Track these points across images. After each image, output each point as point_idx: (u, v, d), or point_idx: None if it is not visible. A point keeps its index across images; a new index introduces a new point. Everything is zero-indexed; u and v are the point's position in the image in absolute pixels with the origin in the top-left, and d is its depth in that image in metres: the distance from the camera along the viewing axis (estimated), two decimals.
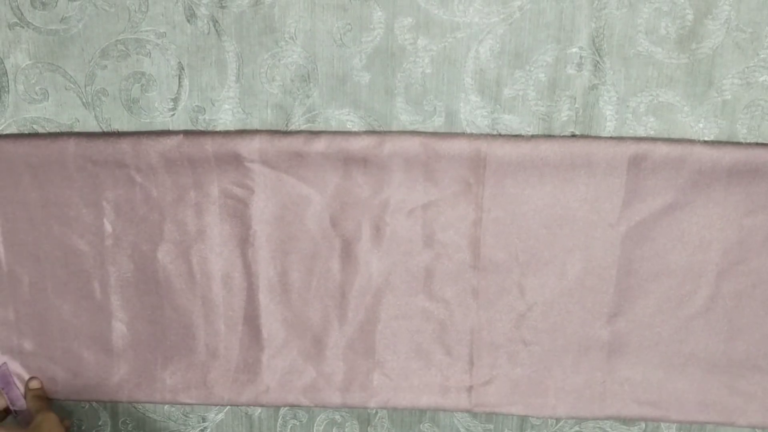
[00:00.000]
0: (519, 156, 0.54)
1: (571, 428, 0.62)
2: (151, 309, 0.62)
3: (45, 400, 0.64)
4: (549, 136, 0.54)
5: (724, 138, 0.54)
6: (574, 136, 0.54)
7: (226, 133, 0.56)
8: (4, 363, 0.64)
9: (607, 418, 0.61)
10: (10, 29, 0.57)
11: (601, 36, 0.52)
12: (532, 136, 0.54)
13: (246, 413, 0.65)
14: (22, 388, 0.64)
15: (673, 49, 0.52)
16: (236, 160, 0.57)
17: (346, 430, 0.65)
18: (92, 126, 0.58)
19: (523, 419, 0.62)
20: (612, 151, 0.53)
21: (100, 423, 0.68)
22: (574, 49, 0.53)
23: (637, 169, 0.54)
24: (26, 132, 0.58)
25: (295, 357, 0.62)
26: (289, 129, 0.56)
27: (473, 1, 0.52)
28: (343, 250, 0.59)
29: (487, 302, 0.59)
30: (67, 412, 0.67)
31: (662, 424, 0.61)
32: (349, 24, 0.54)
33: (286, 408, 0.65)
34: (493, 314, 0.59)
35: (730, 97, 0.53)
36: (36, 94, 0.58)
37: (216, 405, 0.64)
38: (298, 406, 0.63)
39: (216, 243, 0.59)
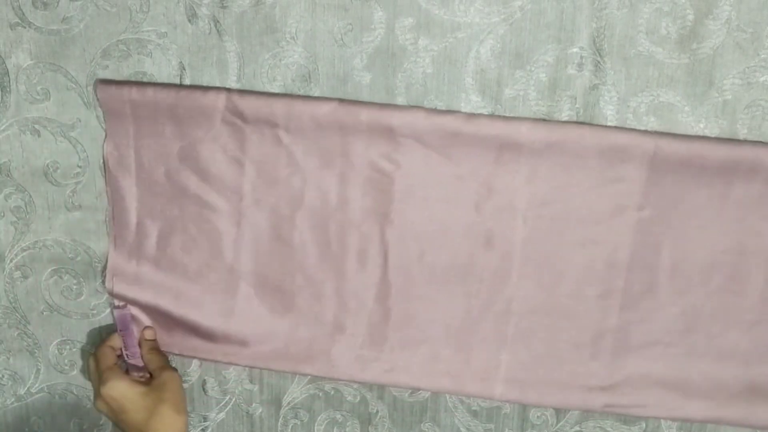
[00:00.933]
0: (687, 156, 0.52)
1: (571, 428, 0.62)
2: (282, 275, 0.60)
3: (163, 355, 0.62)
4: (720, 139, 0.53)
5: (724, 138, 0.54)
6: (731, 140, 0.53)
7: (382, 105, 0.55)
8: (126, 305, 0.62)
9: (746, 426, 0.59)
10: (11, 29, 0.57)
11: (602, 36, 0.52)
12: (698, 137, 0.53)
13: (247, 412, 0.65)
14: (138, 336, 0.62)
15: (674, 49, 0.52)
16: (389, 133, 0.55)
17: (347, 429, 0.65)
18: (94, 126, 0.59)
19: (524, 419, 0.62)
20: None
21: (101, 422, 0.68)
22: (574, 49, 0.53)
23: None
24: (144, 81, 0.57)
25: (423, 340, 0.60)
26: None
27: (474, 1, 0.52)
28: (485, 238, 0.57)
29: (630, 303, 0.57)
30: (71, 411, 0.67)
31: (663, 423, 0.61)
32: (350, 24, 0.54)
33: (287, 407, 0.65)
34: (634, 315, 0.57)
35: (730, 97, 0.53)
36: (37, 94, 0.58)
37: (337, 379, 0.63)
38: (413, 388, 0.62)
39: (356, 215, 0.57)
